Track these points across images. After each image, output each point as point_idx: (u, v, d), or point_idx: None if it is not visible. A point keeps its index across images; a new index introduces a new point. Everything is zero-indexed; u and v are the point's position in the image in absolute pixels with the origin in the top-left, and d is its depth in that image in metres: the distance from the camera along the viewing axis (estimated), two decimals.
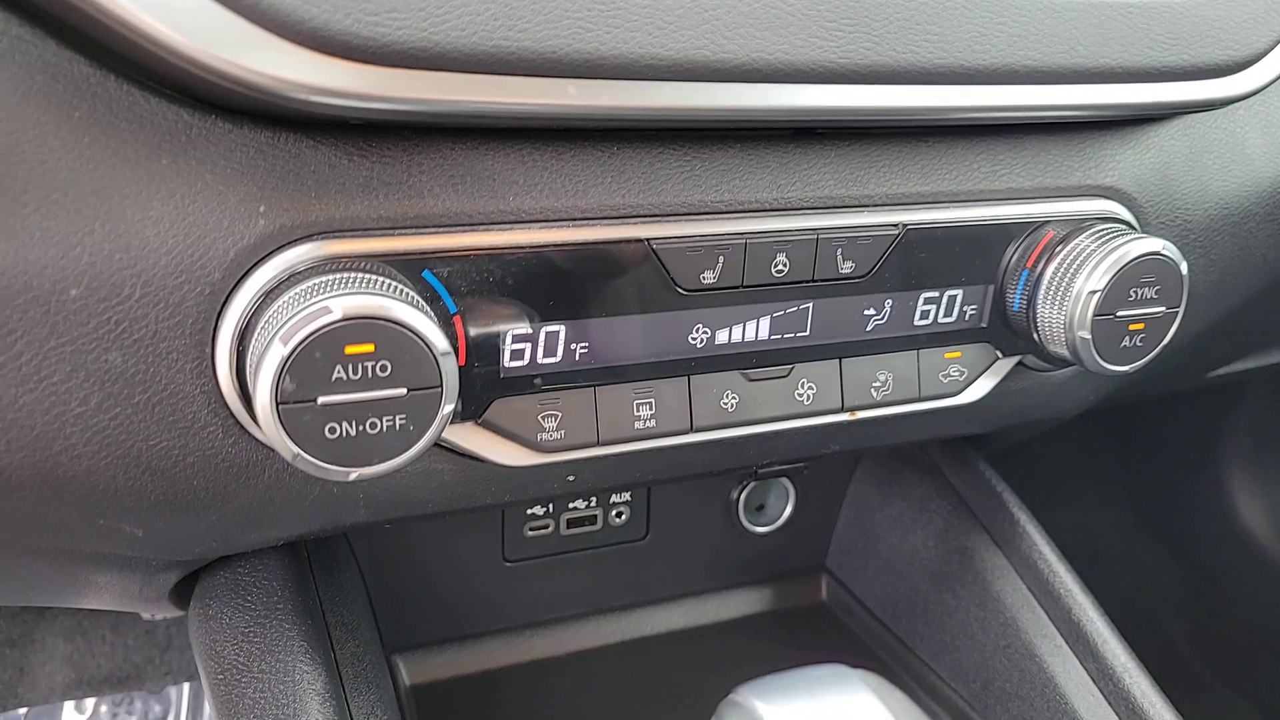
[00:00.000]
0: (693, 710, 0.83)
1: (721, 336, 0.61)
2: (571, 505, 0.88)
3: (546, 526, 0.88)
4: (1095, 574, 0.84)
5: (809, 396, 0.65)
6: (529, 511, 0.87)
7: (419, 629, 0.86)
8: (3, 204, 0.46)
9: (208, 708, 1.86)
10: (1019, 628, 0.80)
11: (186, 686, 1.75)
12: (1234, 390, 1.63)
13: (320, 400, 0.47)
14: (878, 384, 0.67)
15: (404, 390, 0.49)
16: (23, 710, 1.65)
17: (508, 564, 0.88)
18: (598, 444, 0.60)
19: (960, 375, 0.70)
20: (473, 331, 0.54)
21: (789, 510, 0.98)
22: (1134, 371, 0.69)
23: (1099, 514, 0.83)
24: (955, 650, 0.86)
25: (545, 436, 0.58)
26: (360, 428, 0.49)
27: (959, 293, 0.68)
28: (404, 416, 0.49)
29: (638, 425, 0.60)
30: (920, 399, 0.68)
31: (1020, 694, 0.79)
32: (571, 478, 0.62)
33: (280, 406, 0.47)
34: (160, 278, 0.48)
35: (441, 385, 0.50)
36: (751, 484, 0.95)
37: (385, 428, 0.49)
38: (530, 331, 0.56)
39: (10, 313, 0.47)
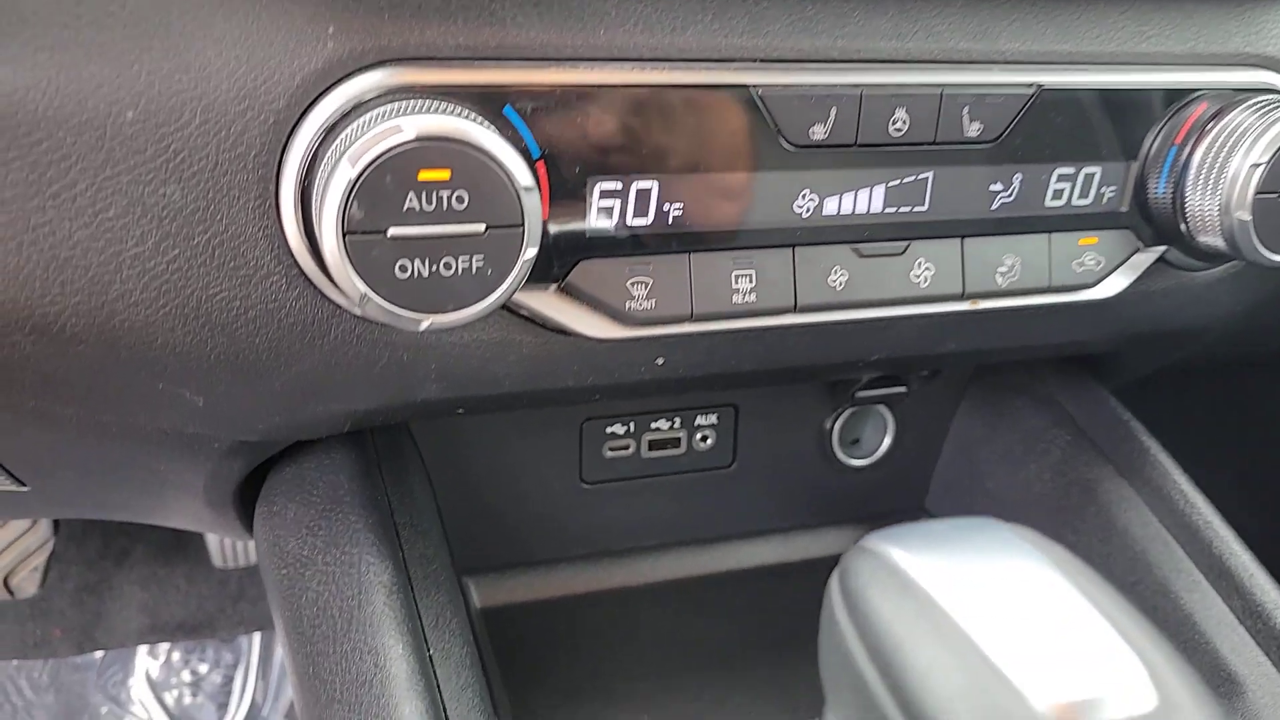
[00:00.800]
0: (776, 651, 0.77)
1: (830, 206, 0.55)
2: (654, 425, 0.83)
3: (627, 447, 0.83)
4: None
5: (926, 279, 0.58)
6: (609, 430, 0.82)
7: (491, 551, 0.82)
8: (56, 15, 0.42)
9: (279, 653, 1.86)
10: (1150, 563, 0.72)
11: (258, 636, 1.75)
12: None
13: (391, 232, 0.43)
14: (1003, 269, 0.60)
15: (482, 227, 0.44)
16: (99, 653, 1.67)
17: (585, 485, 0.83)
18: (691, 318, 0.54)
19: (1096, 265, 0.62)
20: (557, 179, 0.49)
21: (887, 442, 0.91)
22: None
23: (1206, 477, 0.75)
24: None
25: (635, 306, 0.53)
26: (434, 268, 0.44)
27: (1097, 170, 0.60)
28: (482, 258, 0.44)
29: (736, 300, 0.54)
30: (1050, 289, 0.61)
31: None
32: (660, 360, 0.57)
33: (347, 237, 0.42)
34: (221, 103, 0.44)
35: (524, 224, 0.44)
36: (848, 411, 0.88)
37: (461, 269, 0.44)
38: (620, 186, 0.51)
39: (65, 135, 0.43)
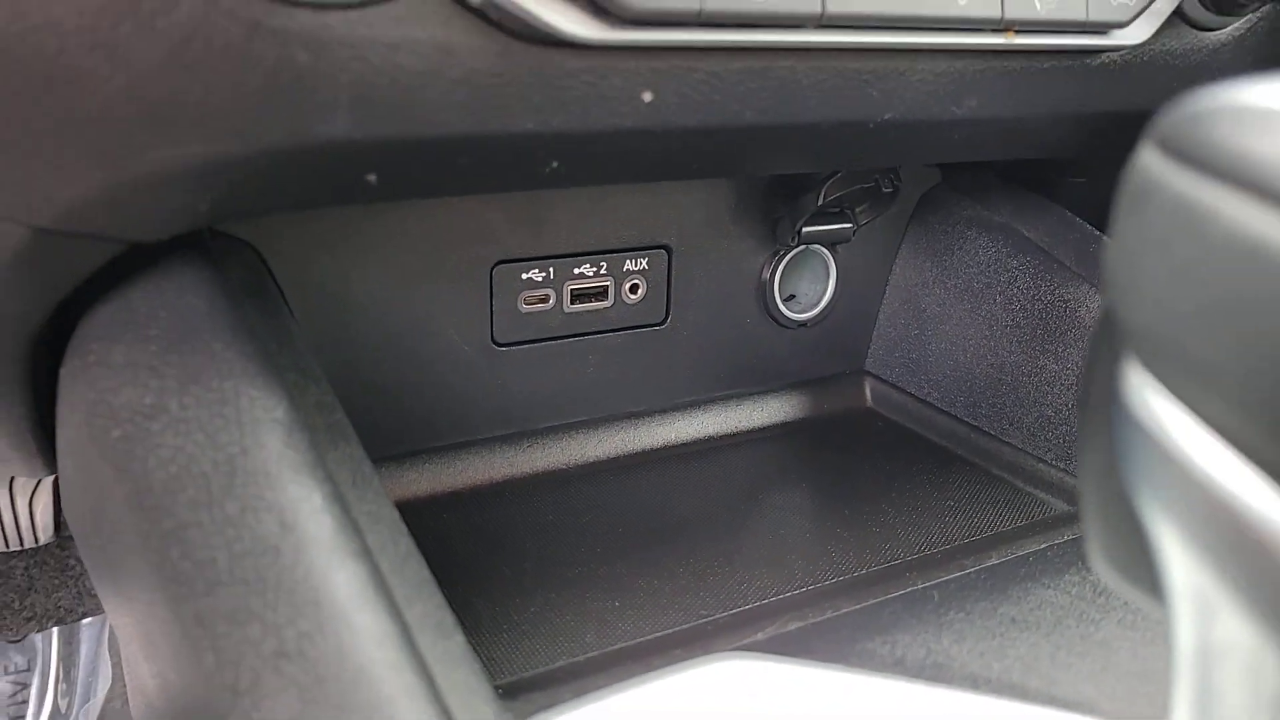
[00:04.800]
0: (729, 528, 0.65)
1: None
2: (577, 271, 0.68)
3: (546, 299, 0.67)
4: None
5: None
6: (525, 277, 0.66)
7: (387, 434, 0.65)
8: None
9: (85, 650, 1.56)
10: None
11: (55, 632, 1.47)
12: None
13: None
14: None
15: None
16: None
17: (498, 348, 0.67)
18: (699, 18, 0.40)
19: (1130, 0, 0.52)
20: None
21: (829, 293, 0.80)
22: None
23: None
24: (1060, 424, 0.70)
25: None
26: None
27: None
28: None
29: None
30: (1086, 26, 0.51)
31: None
32: (649, 96, 0.42)
33: None
34: None
35: None
36: (787, 255, 0.76)
37: None
38: None
39: None
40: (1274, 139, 0.18)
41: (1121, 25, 0.53)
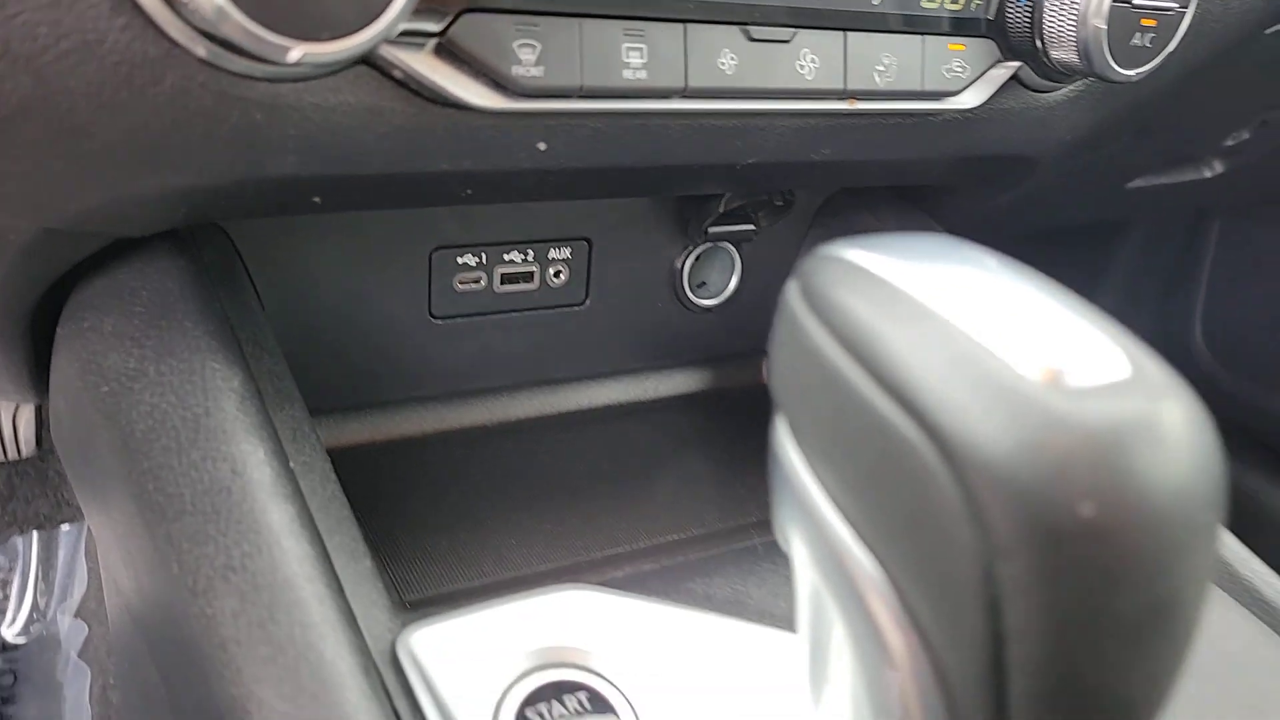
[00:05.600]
0: (630, 482, 0.77)
1: None
2: (506, 257, 0.79)
3: (479, 280, 0.78)
4: None
5: (811, 70, 0.57)
6: (460, 261, 0.77)
7: (334, 390, 0.76)
8: None
9: (63, 554, 1.69)
10: None
11: (35, 535, 1.58)
12: (1113, 237, 1.67)
13: None
14: (881, 68, 0.59)
15: None
16: None
17: (435, 321, 0.78)
18: (581, 93, 0.50)
19: (962, 71, 0.63)
20: None
21: (734, 283, 0.91)
22: (1137, 79, 0.64)
23: None
24: None
25: (521, 71, 0.48)
26: None
27: None
28: None
29: (627, 75, 0.51)
30: (922, 94, 0.62)
31: None
32: (543, 146, 0.53)
33: None
34: None
35: None
36: (700, 248, 0.87)
37: None
38: None
39: None
40: (852, 291, 0.30)
41: (955, 94, 0.63)
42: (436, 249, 0.75)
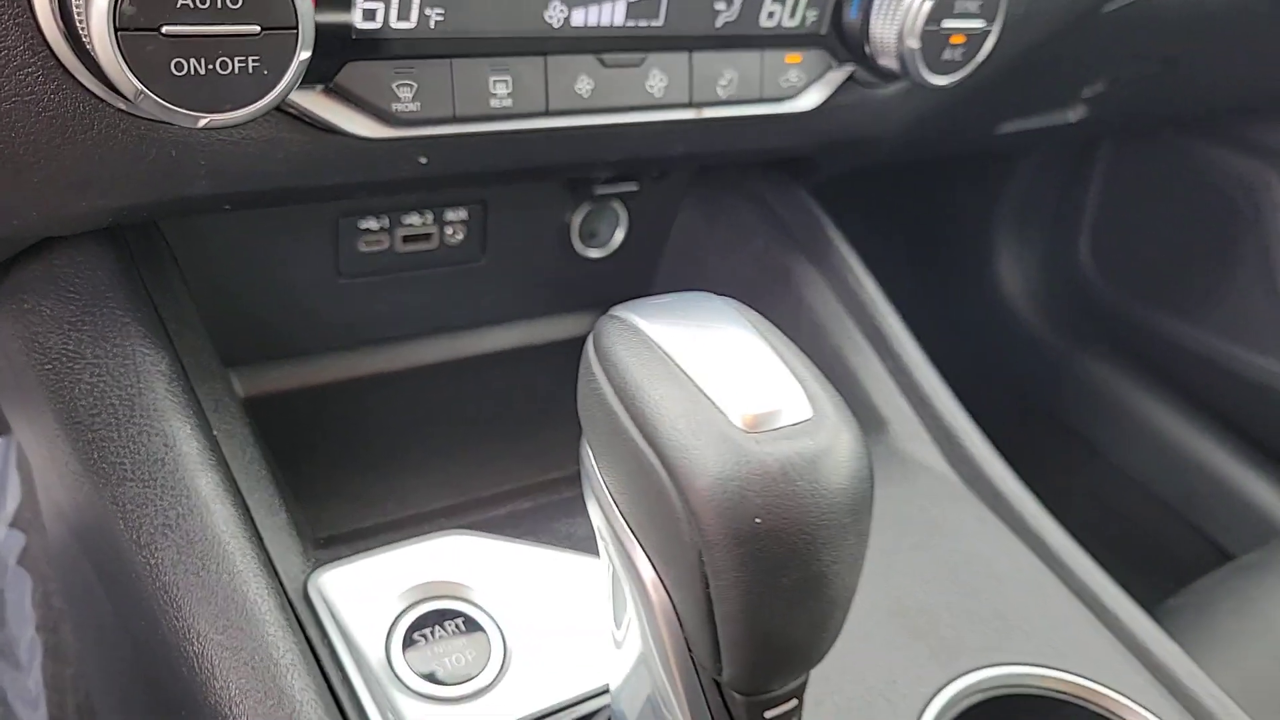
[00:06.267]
0: (528, 420, 0.88)
1: (578, 17, 0.61)
2: (407, 220, 0.87)
3: (381, 242, 0.87)
4: None
5: (660, 89, 0.66)
6: (363, 225, 0.85)
7: (252, 344, 0.85)
8: None
9: (9, 504, 1.75)
10: (827, 331, 0.89)
11: None
12: (1007, 164, 1.79)
13: (165, 29, 0.44)
14: (724, 82, 0.69)
15: (257, 29, 0.46)
16: None
17: (341, 280, 0.86)
18: (453, 119, 0.59)
19: (799, 80, 0.72)
20: None
21: (620, 235, 1.01)
22: (951, 86, 0.74)
23: (880, 269, 0.93)
24: None
25: (400, 108, 0.57)
26: (210, 66, 0.45)
27: None
28: (257, 58, 0.46)
29: (494, 103, 0.60)
30: (762, 100, 0.71)
31: None
32: (424, 160, 0.61)
33: (120, 34, 0.43)
34: None
35: (298, 28, 0.47)
36: (588, 207, 0.96)
37: (238, 69, 0.46)
38: None
39: None
40: (628, 350, 0.40)
41: (791, 98, 0.73)
42: (342, 216, 0.83)
